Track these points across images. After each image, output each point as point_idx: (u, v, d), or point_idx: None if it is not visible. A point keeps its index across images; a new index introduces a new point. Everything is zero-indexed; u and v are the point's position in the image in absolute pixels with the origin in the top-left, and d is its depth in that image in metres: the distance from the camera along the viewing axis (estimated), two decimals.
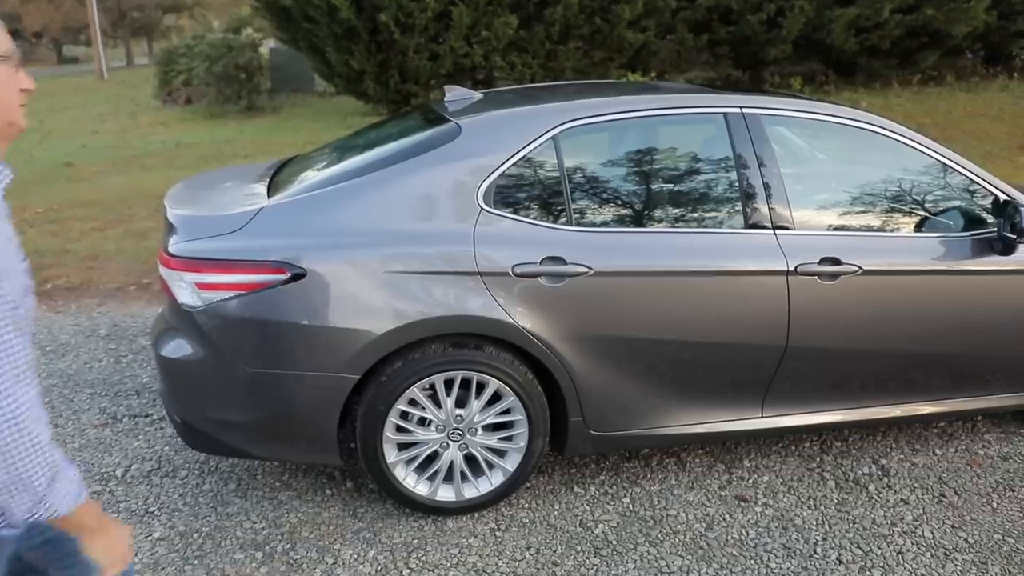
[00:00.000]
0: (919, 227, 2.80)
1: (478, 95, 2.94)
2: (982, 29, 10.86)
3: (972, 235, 2.76)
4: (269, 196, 2.54)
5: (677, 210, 2.60)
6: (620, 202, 2.57)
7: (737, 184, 2.59)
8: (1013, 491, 2.79)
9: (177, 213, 2.52)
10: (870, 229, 2.75)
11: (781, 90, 10.82)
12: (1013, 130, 9.60)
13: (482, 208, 2.39)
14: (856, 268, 2.59)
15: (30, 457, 1.05)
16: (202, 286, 2.31)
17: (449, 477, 2.54)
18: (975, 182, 2.79)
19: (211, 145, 10.62)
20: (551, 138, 2.49)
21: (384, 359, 2.36)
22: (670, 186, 2.65)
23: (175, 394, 2.48)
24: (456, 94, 2.93)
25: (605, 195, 2.57)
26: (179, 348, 2.41)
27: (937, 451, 3.06)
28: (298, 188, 2.53)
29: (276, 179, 2.79)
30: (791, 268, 2.55)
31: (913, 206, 2.83)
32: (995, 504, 2.72)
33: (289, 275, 2.27)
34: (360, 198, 2.38)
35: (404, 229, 2.35)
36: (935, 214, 2.84)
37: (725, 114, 2.61)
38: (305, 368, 2.33)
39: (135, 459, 2.99)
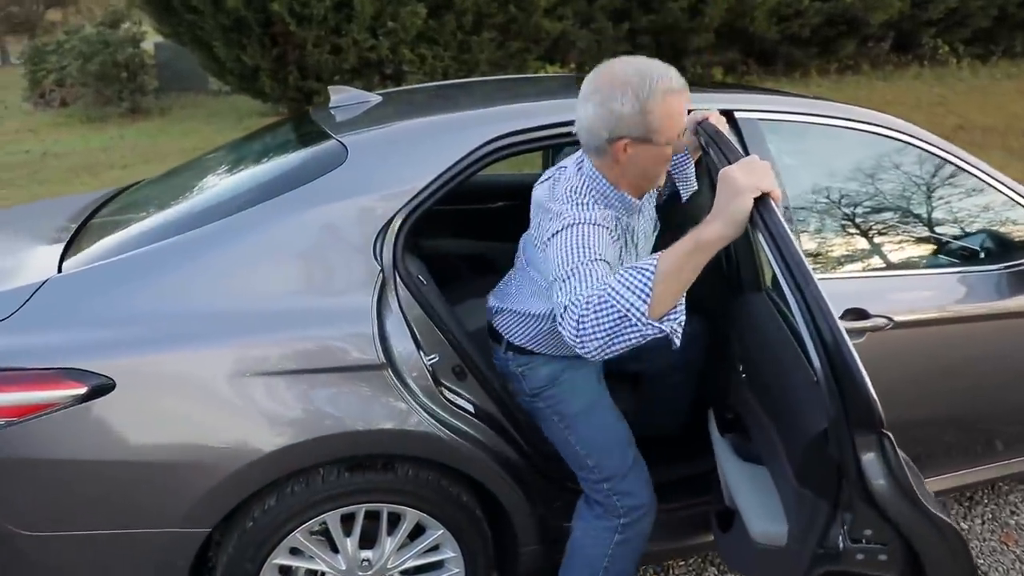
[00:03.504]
0: (952, 260, 2.22)
1: (375, 98, 2.18)
2: (896, 17, 10.81)
3: (1009, 267, 2.19)
4: (64, 259, 1.72)
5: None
6: None
7: None
8: None
9: None
10: (897, 267, 2.15)
11: (761, 86, 10.45)
12: (931, 118, 9.48)
13: (382, 268, 1.64)
14: (886, 321, 1.98)
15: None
16: None
17: None
18: (1015, 200, 2.23)
19: (84, 154, 9.39)
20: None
21: (249, 498, 1.59)
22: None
23: None
24: (344, 97, 2.15)
25: None
26: None
27: (963, 524, 2.51)
28: (109, 245, 1.72)
29: (88, 226, 1.96)
30: None
31: (943, 234, 2.25)
32: None
33: (87, 388, 1.46)
34: (198, 261, 1.59)
35: (268, 308, 1.57)
36: (964, 241, 2.27)
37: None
38: (123, 525, 1.53)
39: None
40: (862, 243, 2.19)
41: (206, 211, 1.71)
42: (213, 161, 2.26)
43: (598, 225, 1.44)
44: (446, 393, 1.71)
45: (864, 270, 2.14)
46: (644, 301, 1.23)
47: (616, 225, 1.53)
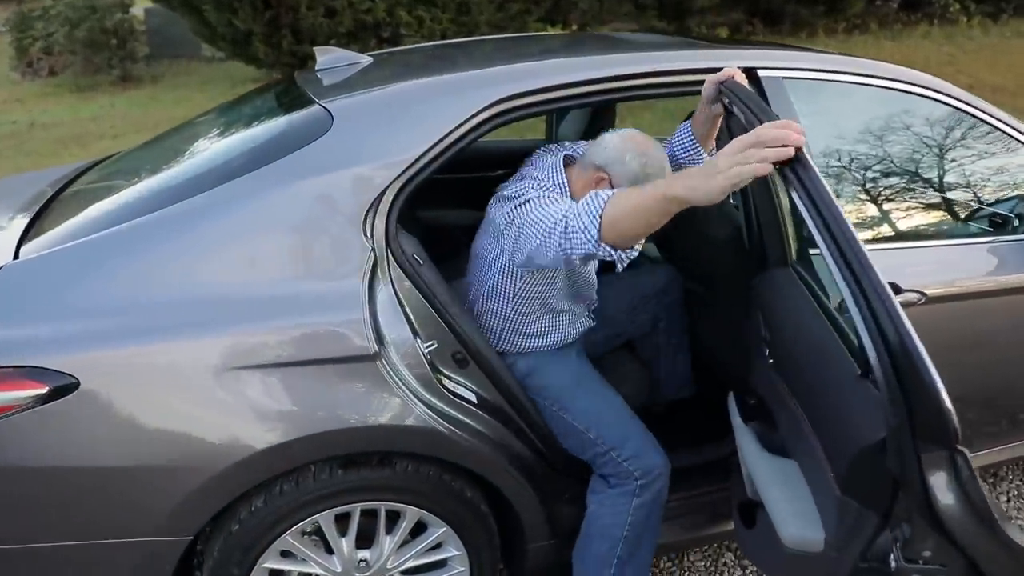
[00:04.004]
0: (985, 228, 2.07)
1: (365, 59, 2.00)
2: None
3: None
4: (22, 241, 1.56)
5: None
6: None
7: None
8: None
9: None
10: (928, 237, 2.00)
11: (780, 41, 10.17)
12: (941, 78, 9.21)
13: (374, 248, 1.49)
14: (919, 296, 1.83)
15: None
16: None
17: None
18: None
19: (73, 124, 9.18)
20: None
21: (234, 500, 1.47)
22: None
23: None
24: (331, 59, 1.97)
25: None
26: None
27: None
28: (73, 227, 1.57)
29: (53, 205, 1.81)
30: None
31: (975, 200, 2.09)
32: None
33: (49, 388, 1.32)
34: (165, 245, 1.43)
35: (246, 295, 1.42)
36: (996, 207, 2.12)
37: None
38: (95, 536, 1.41)
39: None
40: (891, 211, 2.04)
41: (173, 189, 1.56)
42: (189, 132, 2.08)
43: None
44: (446, 383, 1.57)
45: (892, 240, 1.99)
46: (595, 224, 1.39)
47: None
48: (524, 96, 1.59)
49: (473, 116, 1.56)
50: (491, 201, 1.76)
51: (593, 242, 1.39)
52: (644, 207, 1.34)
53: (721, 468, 1.92)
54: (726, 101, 1.49)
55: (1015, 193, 2.13)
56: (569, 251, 1.44)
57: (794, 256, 1.70)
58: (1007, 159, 2.09)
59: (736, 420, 1.66)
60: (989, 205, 2.12)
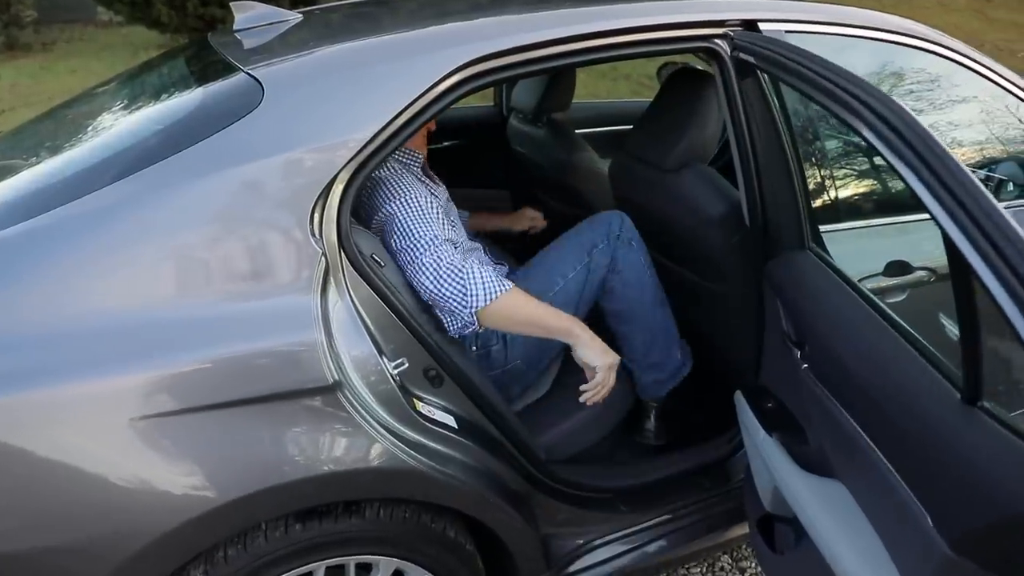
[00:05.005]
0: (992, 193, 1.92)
1: (293, 17, 1.66)
2: None
3: None
4: None
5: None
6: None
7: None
8: None
9: None
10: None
11: None
12: None
13: (325, 251, 1.20)
14: (928, 274, 1.66)
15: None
16: None
17: None
18: None
19: None
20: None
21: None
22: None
23: None
24: (253, 16, 1.62)
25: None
26: None
27: None
28: None
29: None
30: None
31: (981, 162, 1.94)
32: None
33: None
34: (62, 256, 1.10)
35: (167, 319, 1.11)
36: (990, 171, 1.98)
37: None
38: None
39: None
40: (894, 181, 1.86)
41: (66, 184, 1.20)
42: (86, 107, 1.70)
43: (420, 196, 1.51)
44: (420, 407, 1.31)
45: (899, 214, 1.82)
46: (486, 300, 1.39)
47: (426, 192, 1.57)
48: (503, 56, 1.30)
49: (441, 81, 1.26)
50: None
51: (468, 313, 1.40)
52: (542, 323, 1.47)
53: (717, 472, 1.75)
54: (756, 60, 1.25)
55: (1001, 155, 2.00)
56: (436, 297, 1.40)
57: (809, 237, 1.50)
58: (1009, 117, 1.94)
59: (754, 427, 1.46)
60: (981, 167, 1.98)
